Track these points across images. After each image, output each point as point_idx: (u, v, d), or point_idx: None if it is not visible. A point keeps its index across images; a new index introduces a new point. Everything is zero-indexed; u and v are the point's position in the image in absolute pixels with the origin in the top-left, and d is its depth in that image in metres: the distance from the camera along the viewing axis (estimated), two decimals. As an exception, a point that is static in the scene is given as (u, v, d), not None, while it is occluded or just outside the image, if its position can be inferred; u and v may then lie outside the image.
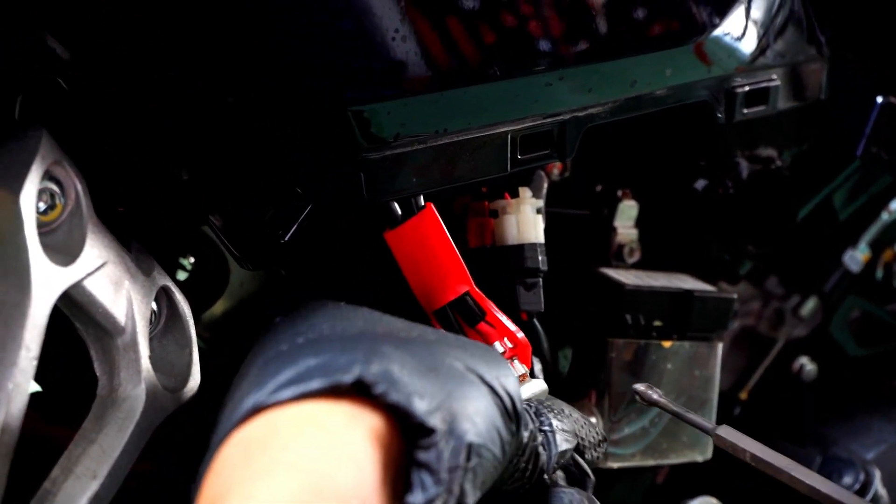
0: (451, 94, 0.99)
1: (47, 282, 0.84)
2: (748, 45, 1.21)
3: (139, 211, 1.05)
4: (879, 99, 1.38)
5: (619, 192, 1.33)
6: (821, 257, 1.53)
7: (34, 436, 0.97)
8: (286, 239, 0.98)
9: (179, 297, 1.00)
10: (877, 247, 1.54)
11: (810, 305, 1.57)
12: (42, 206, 0.87)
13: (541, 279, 1.14)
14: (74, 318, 0.92)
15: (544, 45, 1.03)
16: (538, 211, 1.15)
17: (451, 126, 1.00)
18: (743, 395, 1.57)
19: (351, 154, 0.95)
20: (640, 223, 1.34)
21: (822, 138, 1.41)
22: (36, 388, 1.18)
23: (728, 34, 1.18)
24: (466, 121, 1.00)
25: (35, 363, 0.83)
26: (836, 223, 1.50)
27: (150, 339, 0.99)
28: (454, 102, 0.99)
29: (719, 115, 1.20)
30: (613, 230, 1.33)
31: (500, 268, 1.14)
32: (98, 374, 0.94)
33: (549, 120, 1.06)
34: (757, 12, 1.20)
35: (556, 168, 1.29)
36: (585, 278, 1.29)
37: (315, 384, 0.78)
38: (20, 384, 0.81)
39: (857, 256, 1.53)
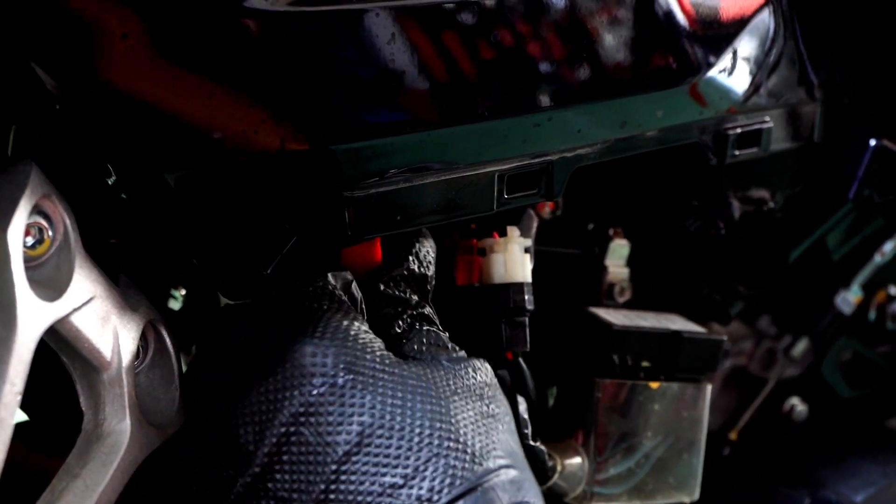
0: (438, 134, 0.99)
1: (33, 317, 0.84)
2: (741, 87, 1.21)
3: (132, 243, 1.06)
4: (872, 142, 1.38)
5: (611, 231, 1.33)
6: (813, 298, 1.53)
7: (20, 466, 0.97)
8: (269, 272, 0.99)
9: (166, 332, 1.00)
10: (869, 288, 1.54)
11: (801, 346, 1.57)
12: (30, 240, 0.88)
13: (527, 318, 1.14)
14: (61, 352, 0.92)
15: (533, 86, 1.03)
16: (526, 250, 1.16)
17: (438, 165, 1.00)
18: (733, 436, 1.57)
19: (336, 191, 0.95)
20: (631, 262, 1.34)
21: (815, 180, 1.42)
22: (23, 417, 1.19)
23: (721, 75, 1.18)
24: (453, 160, 1.00)
25: (19, 398, 0.83)
26: (829, 264, 1.50)
27: (137, 374, 0.99)
28: (441, 142, 1.00)
29: (710, 157, 1.20)
30: (604, 269, 1.33)
31: (486, 306, 1.14)
32: (83, 408, 0.94)
33: (536, 160, 1.06)
34: (750, 54, 1.21)
35: (547, 206, 1.30)
36: (573, 317, 1.29)
37: None
38: (4, 419, 0.82)
39: (849, 298, 1.53)
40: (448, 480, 0.91)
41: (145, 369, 1.00)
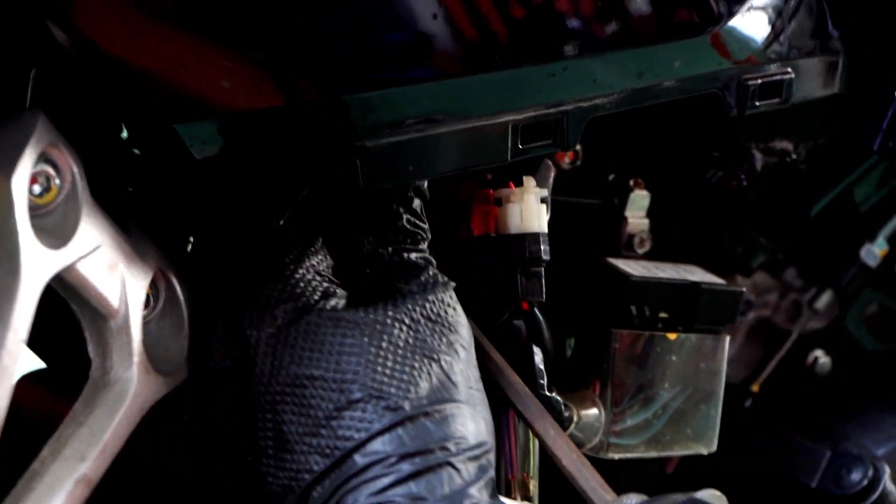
0: (451, 84, 0.99)
1: (37, 265, 0.84)
2: (762, 37, 1.20)
3: (146, 193, 1.06)
4: (897, 93, 1.37)
5: (631, 182, 1.32)
6: (838, 251, 1.52)
7: (40, 410, 0.97)
8: (281, 223, 0.99)
9: (176, 280, 1.00)
10: (895, 241, 1.53)
11: (825, 299, 1.56)
12: (37, 188, 0.88)
13: (542, 268, 1.14)
14: (70, 300, 0.92)
15: (548, 36, 1.02)
16: (542, 200, 1.15)
17: (451, 115, 0.99)
18: (755, 388, 1.56)
19: (347, 141, 0.95)
20: (652, 213, 1.33)
21: (840, 132, 1.40)
22: (41, 364, 1.20)
23: (742, 25, 1.17)
24: (466, 110, 1.00)
25: (23, 345, 0.83)
26: (855, 217, 1.49)
27: (148, 322, 0.99)
28: (454, 91, 0.99)
29: (731, 108, 1.18)
30: (624, 220, 1.33)
31: (502, 256, 1.14)
32: (91, 355, 0.94)
33: (551, 110, 1.05)
34: (770, 3, 1.19)
35: (567, 157, 1.29)
36: (591, 268, 1.29)
37: None
38: (7, 366, 0.82)
39: (874, 251, 1.52)
40: (378, 413, 0.92)
41: (156, 317, 1.01)
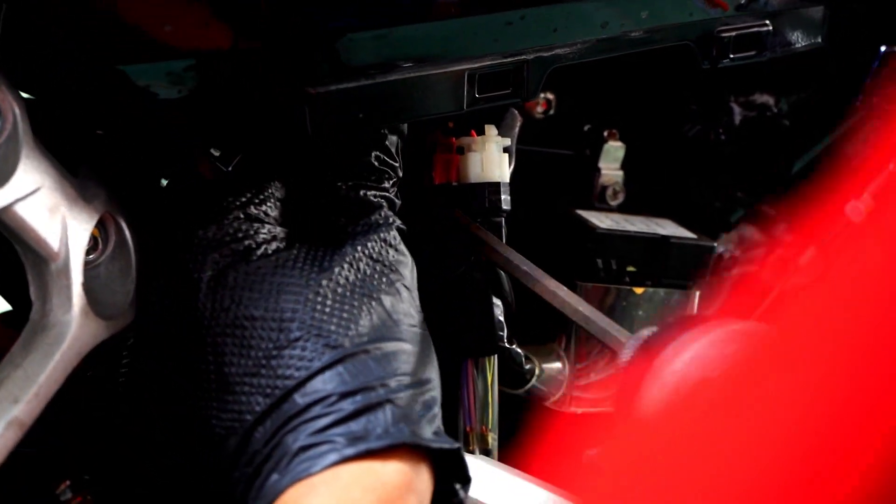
0: (402, 31, 0.98)
1: (-31, 204, 0.84)
2: (737, -13, 1.17)
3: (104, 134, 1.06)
4: (883, 48, 1.34)
5: (605, 133, 1.31)
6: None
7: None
8: (229, 169, 0.98)
9: (126, 224, 1.00)
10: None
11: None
12: (-25, 130, 0.88)
13: (503, 219, 1.13)
14: (12, 241, 0.92)
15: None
16: (505, 150, 1.14)
17: (403, 62, 0.98)
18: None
19: (293, 89, 0.94)
20: (627, 166, 1.32)
21: (823, 87, 1.38)
22: (7, 307, 1.20)
23: (714, -24, 1.15)
24: (418, 57, 0.98)
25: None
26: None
27: (98, 265, 0.99)
28: (405, 39, 0.98)
29: (702, 61, 1.16)
30: (597, 171, 1.31)
31: (462, 205, 1.13)
32: (32, 298, 0.94)
33: (509, 59, 1.04)
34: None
35: (539, 106, 1.27)
36: (559, 219, 1.27)
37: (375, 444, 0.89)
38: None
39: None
40: (318, 351, 0.92)
41: (105, 260, 1.00)
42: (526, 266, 1.08)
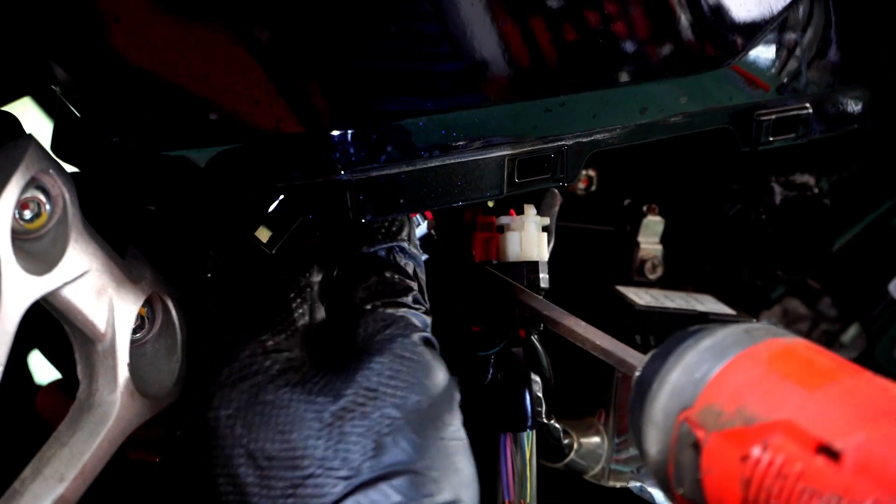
0: (442, 119, 0.99)
1: (18, 290, 0.87)
2: (777, 72, 1.19)
3: (168, 209, 1.08)
4: (923, 128, 1.35)
5: (645, 208, 1.32)
6: (865, 284, 1.51)
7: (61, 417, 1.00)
8: (273, 252, 1.00)
9: (172, 303, 1.03)
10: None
11: (852, 332, 1.55)
12: (28, 214, 0.91)
13: (541, 297, 1.14)
14: (61, 322, 0.95)
15: (543, 71, 1.03)
16: (544, 229, 1.16)
17: (443, 149, 1.00)
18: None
19: (335, 174, 0.96)
20: (667, 241, 1.33)
21: (866, 166, 1.39)
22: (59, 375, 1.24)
23: (754, 59, 1.16)
24: (458, 144, 1.00)
25: (1, 369, 0.86)
26: (883, 250, 1.47)
27: (144, 344, 1.02)
28: (445, 126, 1.00)
29: (741, 144, 1.18)
30: (636, 245, 1.33)
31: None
32: (80, 377, 0.97)
33: (549, 145, 1.05)
34: (785, 37, 1.18)
35: (580, 183, 1.29)
36: (599, 295, 1.29)
37: None
38: (-16, 387, 0.85)
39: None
40: (331, 482, 0.93)
41: (152, 340, 1.03)
42: (547, 309, 1.09)
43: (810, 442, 0.73)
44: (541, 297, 1.10)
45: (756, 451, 0.74)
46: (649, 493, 1.12)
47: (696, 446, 0.78)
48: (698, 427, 0.78)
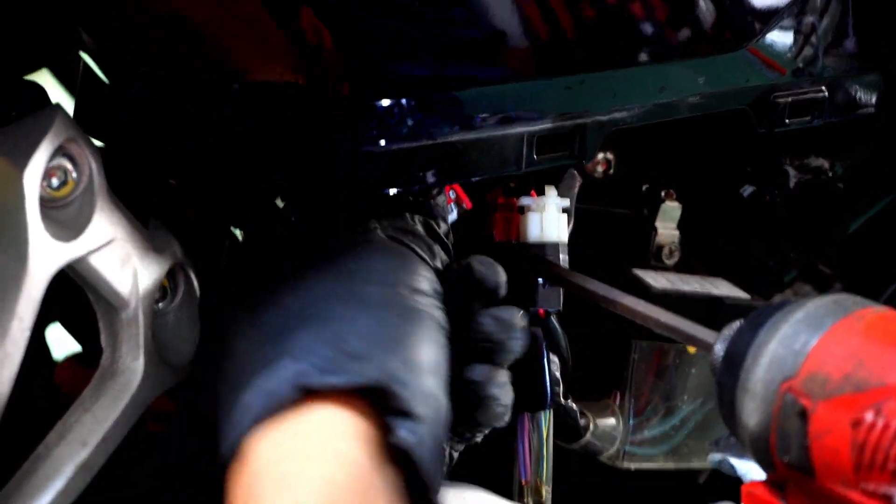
0: (464, 95, 1.00)
1: (45, 256, 0.88)
2: (794, 55, 1.20)
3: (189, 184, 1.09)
4: (940, 114, 1.36)
5: (663, 193, 1.33)
6: (878, 268, 1.51)
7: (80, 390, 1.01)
8: (293, 219, 1.01)
9: (194, 274, 1.04)
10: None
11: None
12: (55, 182, 0.91)
13: (561, 278, 1.15)
14: (86, 290, 0.96)
15: (563, 50, 1.04)
16: (564, 210, 1.16)
17: (461, 125, 1.01)
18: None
19: (357, 145, 0.97)
20: (683, 226, 1.34)
21: (880, 151, 1.39)
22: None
23: (771, 43, 1.17)
24: (478, 120, 1.01)
25: (28, 333, 0.87)
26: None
27: (167, 314, 1.03)
28: (467, 101, 1.01)
29: (758, 126, 1.19)
30: (654, 230, 1.33)
31: (522, 264, 1.15)
32: (103, 345, 0.98)
33: (568, 122, 1.06)
34: (802, 21, 1.19)
35: (599, 166, 1.30)
36: (616, 278, 1.29)
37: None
38: (11, 354, 0.86)
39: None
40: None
41: (174, 309, 1.04)
42: (603, 290, 1.09)
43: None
44: (593, 279, 1.10)
45: (869, 416, 0.75)
46: (729, 464, 1.12)
47: (803, 415, 0.79)
48: (804, 396, 0.79)
